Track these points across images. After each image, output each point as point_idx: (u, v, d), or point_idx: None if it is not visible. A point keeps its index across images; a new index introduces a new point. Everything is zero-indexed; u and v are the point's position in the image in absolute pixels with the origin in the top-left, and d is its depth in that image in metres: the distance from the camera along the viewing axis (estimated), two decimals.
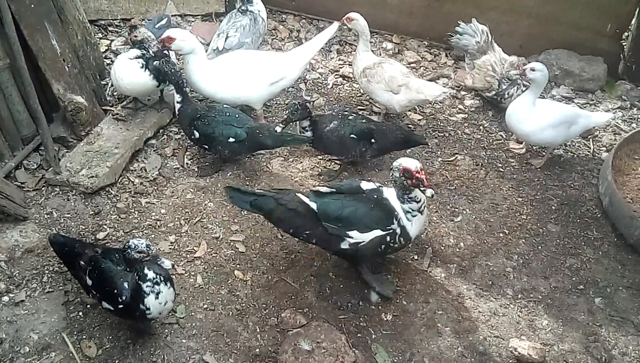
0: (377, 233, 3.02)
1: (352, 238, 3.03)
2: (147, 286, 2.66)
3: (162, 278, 2.70)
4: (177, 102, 3.80)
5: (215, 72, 3.98)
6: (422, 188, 3.00)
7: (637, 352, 3.13)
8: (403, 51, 5.39)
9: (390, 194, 3.12)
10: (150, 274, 2.67)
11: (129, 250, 2.60)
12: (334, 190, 3.15)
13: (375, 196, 3.11)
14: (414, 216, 3.06)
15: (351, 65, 4.82)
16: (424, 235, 3.64)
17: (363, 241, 3.04)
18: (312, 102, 4.68)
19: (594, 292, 3.42)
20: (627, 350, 3.14)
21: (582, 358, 3.08)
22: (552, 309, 3.31)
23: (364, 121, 3.91)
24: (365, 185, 3.18)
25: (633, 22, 5.02)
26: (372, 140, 3.86)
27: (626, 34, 5.13)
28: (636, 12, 4.94)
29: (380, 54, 5.04)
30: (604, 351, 3.12)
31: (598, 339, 3.17)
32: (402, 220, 3.06)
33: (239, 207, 3.35)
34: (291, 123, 3.77)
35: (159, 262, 2.66)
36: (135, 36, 3.88)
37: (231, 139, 3.69)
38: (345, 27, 4.39)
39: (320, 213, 3.05)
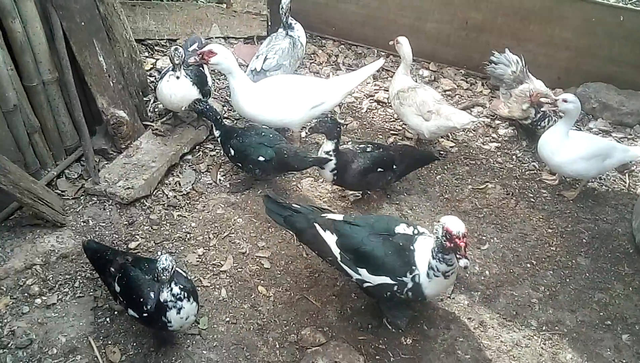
0: (385, 280, 2.95)
1: (360, 275, 3.01)
2: (170, 301, 2.74)
3: (185, 294, 2.78)
4: (217, 136, 3.94)
5: (258, 94, 4.09)
6: (457, 255, 2.72)
7: None
8: (439, 79, 5.43)
9: (422, 245, 2.93)
10: (175, 289, 2.75)
11: (165, 272, 2.69)
12: (364, 221, 3.12)
13: (402, 244, 2.95)
14: (436, 276, 2.86)
15: (386, 90, 4.91)
16: None
17: (370, 283, 3.00)
18: (345, 126, 4.75)
19: (621, 328, 3.33)
20: None
21: None
22: (577, 343, 3.24)
23: (381, 149, 3.91)
24: (402, 228, 3.02)
25: None
26: (394, 166, 3.90)
27: None
28: None
29: (416, 81, 5.08)
30: None
31: None
32: (418, 277, 2.89)
33: (272, 219, 3.37)
34: (316, 133, 3.75)
35: None
36: (179, 56, 4.00)
37: (261, 158, 3.79)
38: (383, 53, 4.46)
39: (338, 240, 3.06)
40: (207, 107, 3.87)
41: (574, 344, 3.24)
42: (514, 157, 4.59)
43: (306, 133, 3.75)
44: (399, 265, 2.93)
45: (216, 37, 5.44)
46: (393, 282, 2.94)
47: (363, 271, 3.00)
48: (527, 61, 4.80)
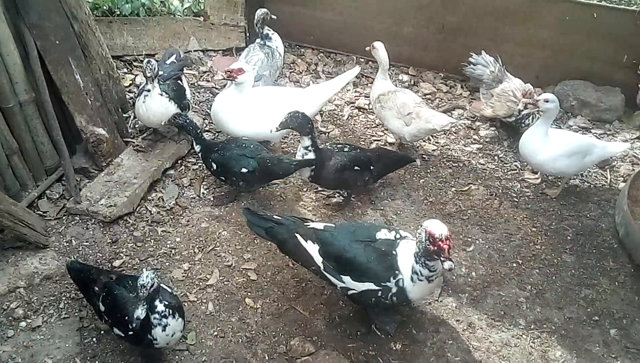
0: (369, 286, 2.93)
1: (344, 283, 3.00)
2: (154, 318, 2.72)
3: (170, 311, 2.75)
4: (198, 151, 3.91)
5: (238, 110, 4.09)
6: (441, 258, 2.70)
7: None
8: (419, 83, 5.47)
9: (404, 249, 2.92)
10: (160, 307, 2.73)
11: (143, 289, 2.66)
12: (345, 229, 3.13)
13: (384, 249, 2.94)
14: (420, 280, 2.84)
15: (367, 97, 4.93)
16: None
17: (354, 290, 2.99)
18: (327, 133, 4.76)
19: (609, 323, 3.35)
20: None
21: None
22: (566, 340, 3.25)
23: (358, 150, 3.96)
24: (383, 234, 3.01)
25: None
26: (371, 167, 3.92)
27: None
28: None
29: (396, 86, 5.10)
30: None
31: None
32: (402, 281, 2.87)
33: (254, 232, 3.38)
34: (287, 128, 3.73)
35: None
36: (152, 69, 3.96)
37: (244, 170, 3.77)
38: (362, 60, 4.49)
39: (320, 249, 3.06)
40: (187, 121, 3.84)
41: (563, 341, 3.25)
42: (495, 158, 4.62)
43: (277, 129, 3.71)
44: (382, 270, 2.91)
45: (194, 50, 5.44)
46: (377, 288, 2.92)
47: (347, 278, 2.99)
48: (505, 61, 4.86)
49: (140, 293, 2.66)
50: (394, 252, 2.93)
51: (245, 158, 3.78)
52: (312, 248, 3.08)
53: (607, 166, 4.53)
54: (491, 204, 4.15)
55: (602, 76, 5.07)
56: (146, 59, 3.95)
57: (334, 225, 3.24)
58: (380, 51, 4.39)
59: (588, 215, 4.09)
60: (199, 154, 3.94)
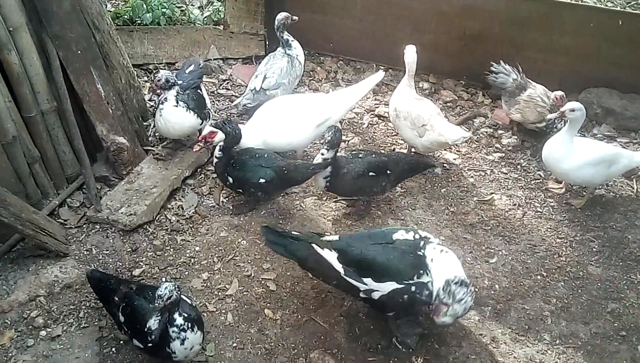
0: (393, 285, 2.91)
1: (366, 285, 2.96)
2: (173, 332, 2.71)
3: (189, 325, 2.74)
4: (217, 157, 3.83)
5: (260, 123, 4.07)
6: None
7: None
8: (439, 90, 5.40)
9: (438, 257, 2.93)
10: (179, 320, 2.72)
11: (159, 300, 2.65)
12: (361, 235, 3.15)
13: (404, 248, 2.96)
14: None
15: (387, 105, 4.88)
16: None
17: (380, 292, 2.94)
18: (347, 142, 4.72)
19: (637, 339, 3.25)
20: None
21: None
22: (592, 356, 3.17)
23: (374, 155, 3.91)
24: (400, 235, 3.03)
25: None
26: (388, 171, 3.87)
27: None
28: None
29: (417, 93, 5.06)
30: None
31: None
32: (432, 284, 2.88)
33: (273, 250, 3.34)
34: (336, 147, 3.66)
35: None
36: (159, 80, 3.97)
37: (262, 180, 3.75)
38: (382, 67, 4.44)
39: (339, 256, 3.03)
40: (232, 127, 3.76)
41: (589, 357, 3.17)
42: (518, 166, 4.54)
43: (327, 151, 3.67)
44: (404, 269, 2.91)
45: (214, 59, 5.45)
46: (400, 286, 2.90)
47: (368, 280, 2.95)
48: (527, 68, 4.79)
49: (156, 304, 2.65)
50: (420, 253, 2.95)
51: (261, 168, 3.76)
52: (331, 256, 3.05)
53: (633, 176, 4.43)
54: (514, 215, 4.08)
55: (628, 83, 4.96)
56: (157, 74, 3.96)
57: (347, 235, 3.21)
58: (410, 53, 4.31)
59: (614, 226, 4.00)
60: (215, 163, 3.87)
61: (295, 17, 4.81)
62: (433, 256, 2.95)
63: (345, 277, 3.03)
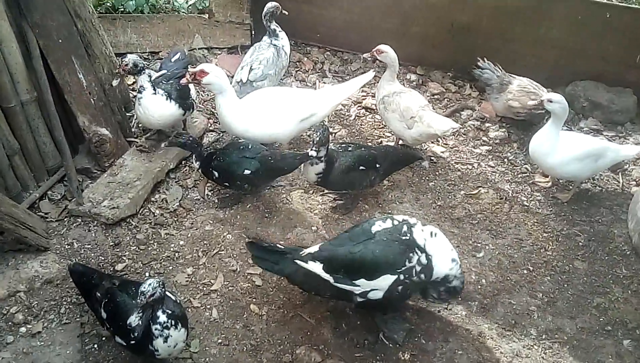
0: (387, 279, 2.89)
1: (359, 286, 2.93)
2: (156, 329, 2.66)
3: (173, 322, 2.68)
4: (197, 168, 3.84)
5: (246, 110, 4.00)
6: None
7: None
8: (427, 83, 5.37)
9: (420, 232, 2.97)
10: (162, 317, 2.67)
11: (141, 296, 2.59)
12: (340, 239, 3.12)
13: (386, 238, 2.94)
14: None
15: (374, 96, 4.83)
16: None
17: (378, 290, 2.91)
18: (334, 134, 4.68)
19: (622, 334, 3.27)
20: None
21: None
22: (578, 351, 3.18)
23: (362, 149, 3.88)
24: (378, 226, 3.01)
25: None
26: (377, 165, 3.84)
27: None
28: None
29: (404, 85, 5.02)
30: None
31: None
32: (425, 259, 2.91)
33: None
34: (323, 146, 3.60)
35: None
36: (126, 65, 3.85)
37: (247, 171, 3.69)
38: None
39: (324, 266, 2.98)
40: (189, 141, 3.75)
41: (575, 352, 3.17)
42: (505, 160, 4.53)
43: (316, 151, 3.61)
44: (393, 258, 2.89)
45: (199, 48, 5.35)
46: (394, 277, 2.88)
47: (361, 281, 2.91)
48: (515, 61, 4.84)
49: (139, 300, 2.59)
50: (405, 237, 2.94)
51: (246, 160, 3.70)
52: (316, 267, 2.99)
53: (619, 170, 4.44)
54: (501, 209, 4.07)
55: (614, 77, 4.97)
56: (124, 58, 3.85)
57: (327, 242, 3.18)
58: (390, 53, 4.28)
59: (600, 220, 4.01)
60: (199, 170, 3.86)
61: (285, 12, 4.74)
62: (425, 237, 2.96)
63: (336, 285, 2.98)
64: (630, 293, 3.50)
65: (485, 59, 4.82)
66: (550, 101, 3.83)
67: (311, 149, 3.57)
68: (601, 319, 3.35)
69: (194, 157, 3.81)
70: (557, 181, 4.28)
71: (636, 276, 3.60)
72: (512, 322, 3.32)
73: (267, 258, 3.16)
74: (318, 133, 3.54)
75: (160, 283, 2.65)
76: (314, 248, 3.11)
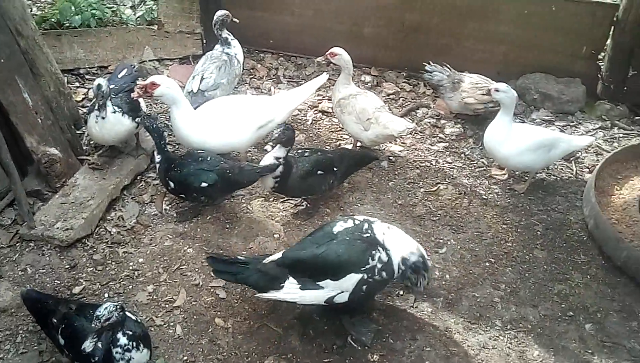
0: (353, 277, 2.88)
1: (325, 287, 2.91)
2: (117, 353, 2.58)
3: (134, 343, 2.61)
4: (157, 162, 3.72)
5: (202, 121, 3.93)
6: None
7: None
8: (382, 83, 5.40)
9: (389, 234, 3.00)
10: (123, 340, 2.60)
11: (96, 321, 2.51)
12: (302, 242, 3.11)
13: (348, 238, 2.95)
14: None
15: (330, 100, 4.84)
16: None
17: (346, 291, 2.90)
18: None
19: (584, 318, 3.33)
20: None
21: None
22: (543, 338, 3.22)
23: (319, 153, 3.87)
24: (339, 226, 3.02)
25: (608, 42, 5.05)
26: (335, 168, 3.84)
27: (602, 55, 5.14)
28: (610, 33, 4.97)
29: (359, 87, 5.03)
30: None
31: None
32: (385, 256, 2.92)
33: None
34: (279, 144, 3.57)
35: None
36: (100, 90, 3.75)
37: (204, 184, 3.63)
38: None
39: (290, 271, 2.97)
40: (155, 126, 3.64)
41: (540, 340, 3.22)
42: (462, 155, 4.58)
43: (272, 146, 3.57)
44: (357, 256, 2.90)
45: (150, 60, 5.26)
46: (360, 275, 2.88)
47: (326, 282, 2.90)
48: (466, 58, 4.92)
49: (93, 324, 2.51)
50: (367, 235, 2.96)
51: (204, 172, 3.63)
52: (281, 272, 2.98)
53: (572, 158, 4.54)
54: (461, 204, 4.11)
55: (563, 68, 5.10)
56: (96, 83, 3.73)
57: (288, 249, 3.17)
58: (343, 55, 4.28)
59: (556, 209, 4.09)
60: (157, 167, 3.75)
61: (236, 20, 4.70)
62: (383, 231, 2.99)
63: (303, 291, 2.95)
64: (589, 278, 3.58)
65: (431, 62, 4.88)
66: (497, 91, 3.91)
67: (268, 144, 3.52)
68: (563, 305, 3.41)
69: (155, 149, 3.70)
70: (513, 173, 4.35)
71: (594, 261, 3.68)
72: (477, 314, 3.35)
73: (228, 271, 3.11)
74: (279, 130, 3.51)
75: (117, 306, 2.57)
76: (276, 255, 3.08)
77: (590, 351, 3.16)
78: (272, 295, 2.99)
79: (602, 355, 3.14)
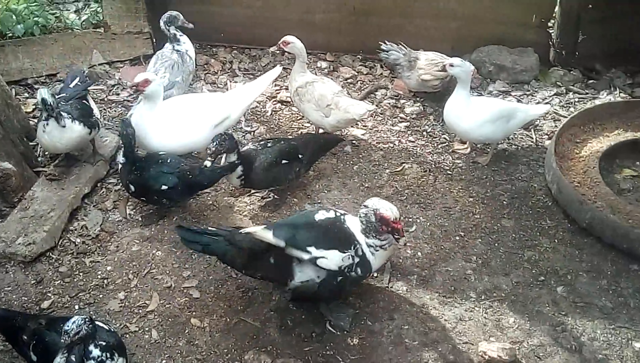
0: (336, 254, 2.89)
1: (310, 253, 2.88)
2: None
3: (108, 354, 2.55)
4: (120, 163, 3.65)
5: (158, 123, 3.86)
6: (396, 237, 2.91)
7: (605, 335, 3.11)
8: (338, 68, 5.39)
9: (353, 224, 3.01)
10: (95, 352, 2.54)
11: (65, 336, 2.44)
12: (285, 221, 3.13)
13: (330, 225, 3.00)
14: (377, 251, 2.98)
15: (288, 89, 4.79)
16: None
17: (325, 259, 2.88)
18: (252, 132, 4.61)
19: (555, 281, 3.40)
20: (595, 334, 3.12)
21: (552, 351, 3.04)
22: (517, 305, 3.28)
23: (282, 142, 3.85)
24: (321, 215, 3.05)
25: (557, 9, 5.14)
26: (300, 156, 3.83)
27: (552, 22, 5.23)
28: (558, 1, 5.05)
29: (315, 74, 5.01)
30: (573, 340, 3.09)
31: (566, 328, 3.14)
32: (361, 249, 2.95)
33: (191, 249, 3.26)
34: (220, 155, 3.57)
35: None
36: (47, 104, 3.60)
37: (164, 187, 3.56)
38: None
39: (275, 231, 2.92)
40: (128, 132, 3.59)
41: (514, 306, 3.27)
42: (424, 133, 4.61)
43: (210, 161, 3.52)
44: (341, 240, 2.94)
45: (99, 64, 5.12)
46: (343, 255, 2.90)
47: (312, 248, 2.88)
48: (419, 36, 4.97)
49: (62, 340, 2.44)
50: (345, 226, 3.00)
51: (163, 175, 3.57)
52: (266, 233, 2.93)
53: (531, 127, 4.62)
54: (427, 181, 4.14)
55: (515, 39, 5.17)
56: (39, 98, 3.57)
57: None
58: (296, 43, 4.24)
59: (520, 177, 4.15)
60: (119, 168, 3.68)
61: (190, 25, 4.62)
62: (350, 225, 3.02)
63: (290, 248, 2.89)
64: (557, 242, 3.65)
65: (387, 41, 4.87)
66: (452, 66, 3.96)
67: (206, 160, 3.50)
68: (534, 271, 3.47)
69: (122, 152, 3.63)
70: (475, 146, 4.40)
71: (560, 225, 3.76)
72: (452, 288, 3.38)
73: (197, 241, 3.09)
74: (214, 143, 3.48)
75: (86, 319, 2.50)
76: (257, 227, 3.05)
77: (563, 313, 3.23)
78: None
79: (576, 316, 3.21)
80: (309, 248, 2.90)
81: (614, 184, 3.99)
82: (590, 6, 4.95)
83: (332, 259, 2.90)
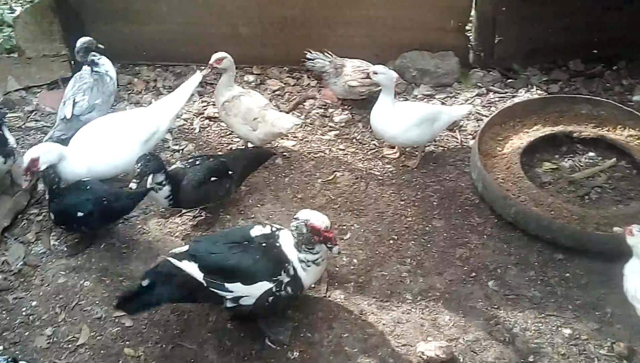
0: (264, 285, 2.86)
1: (232, 292, 2.86)
2: None
3: None
4: (44, 192, 3.58)
5: (82, 149, 3.73)
6: (329, 246, 2.90)
7: (536, 324, 3.22)
8: (265, 81, 5.37)
9: (286, 240, 2.98)
10: None
11: None
12: (215, 237, 3.06)
13: (265, 244, 2.94)
14: (309, 266, 2.94)
15: (215, 105, 4.74)
16: None
17: (249, 296, 2.87)
18: (181, 151, 4.52)
19: (486, 276, 3.49)
20: (526, 325, 3.22)
21: (487, 345, 3.12)
22: (452, 303, 3.34)
23: (211, 159, 3.81)
24: (257, 230, 3.01)
25: (473, 13, 5.31)
26: (230, 172, 3.79)
27: (469, 25, 5.40)
28: (474, 5, 5.23)
29: (243, 87, 4.97)
30: (506, 331, 3.18)
31: (499, 321, 3.23)
32: (294, 269, 2.92)
33: (144, 312, 3.18)
34: (145, 177, 3.47)
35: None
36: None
37: (79, 214, 3.44)
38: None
39: (200, 265, 2.88)
40: (50, 173, 3.50)
41: (449, 304, 3.34)
42: (354, 140, 4.65)
43: (136, 183, 3.42)
44: (273, 266, 2.89)
45: (15, 90, 4.90)
46: (272, 285, 2.87)
47: (236, 285, 2.85)
48: (344, 46, 4.98)
49: None
50: (277, 244, 2.96)
51: (80, 201, 3.45)
52: (191, 266, 2.88)
53: (455, 128, 4.74)
54: (358, 188, 4.17)
55: (436, 43, 5.29)
56: None
57: (199, 239, 3.12)
58: (228, 57, 4.17)
59: (448, 178, 4.25)
60: (46, 196, 3.58)
61: (101, 45, 4.49)
62: (283, 242, 2.98)
63: (210, 289, 2.88)
64: (486, 237, 3.75)
65: (312, 51, 4.91)
66: (376, 73, 4.02)
67: (132, 182, 3.41)
68: (465, 268, 3.55)
69: (46, 189, 3.55)
70: (404, 150, 4.48)
71: (488, 222, 3.86)
72: (388, 292, 3.41)
73: (137, 302, 2.98)
74: (138, 165, 3.39)
75: (9, 359, 2.38)
76: (183, 248, 3.01)
77: (496, 306, 3.32)
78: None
79: (507, 308, 3.30)
80: (232, 286, 2.86)
81: (535, 178, 4.14)
82: (504, 9, 5.15)
83: (258, 292, 2.87)
